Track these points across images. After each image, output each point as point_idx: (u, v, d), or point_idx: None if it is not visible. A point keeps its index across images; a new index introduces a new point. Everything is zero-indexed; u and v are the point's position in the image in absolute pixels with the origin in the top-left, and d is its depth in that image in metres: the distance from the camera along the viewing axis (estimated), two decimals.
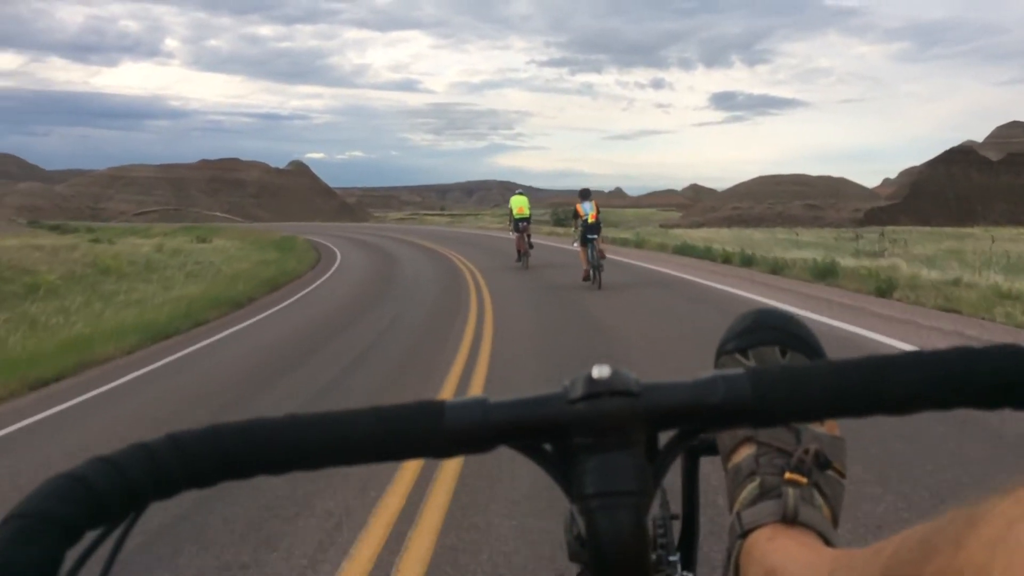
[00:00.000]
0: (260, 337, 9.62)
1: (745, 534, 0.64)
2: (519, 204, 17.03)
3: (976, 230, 49.98)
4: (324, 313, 11.46)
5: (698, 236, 34.38)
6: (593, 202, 13.03)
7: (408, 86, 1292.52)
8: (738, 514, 0.66)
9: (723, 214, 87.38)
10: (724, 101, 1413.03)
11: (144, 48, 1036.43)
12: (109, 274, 16.74)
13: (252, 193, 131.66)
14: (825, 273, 12.55)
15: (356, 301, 12.86)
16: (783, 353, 0.72)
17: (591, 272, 12.56)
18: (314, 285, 16.26)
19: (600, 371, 0.45)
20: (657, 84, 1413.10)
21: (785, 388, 0.45)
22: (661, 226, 70.63)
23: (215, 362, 8.18)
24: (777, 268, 14.34)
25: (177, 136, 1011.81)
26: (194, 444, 0.44)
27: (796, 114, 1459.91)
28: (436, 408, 0.46)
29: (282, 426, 0.45)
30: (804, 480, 0.65)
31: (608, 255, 13.29)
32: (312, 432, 0.45)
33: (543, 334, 8.74)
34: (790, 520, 0.63)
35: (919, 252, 26.06)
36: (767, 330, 0.73)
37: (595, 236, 12.48)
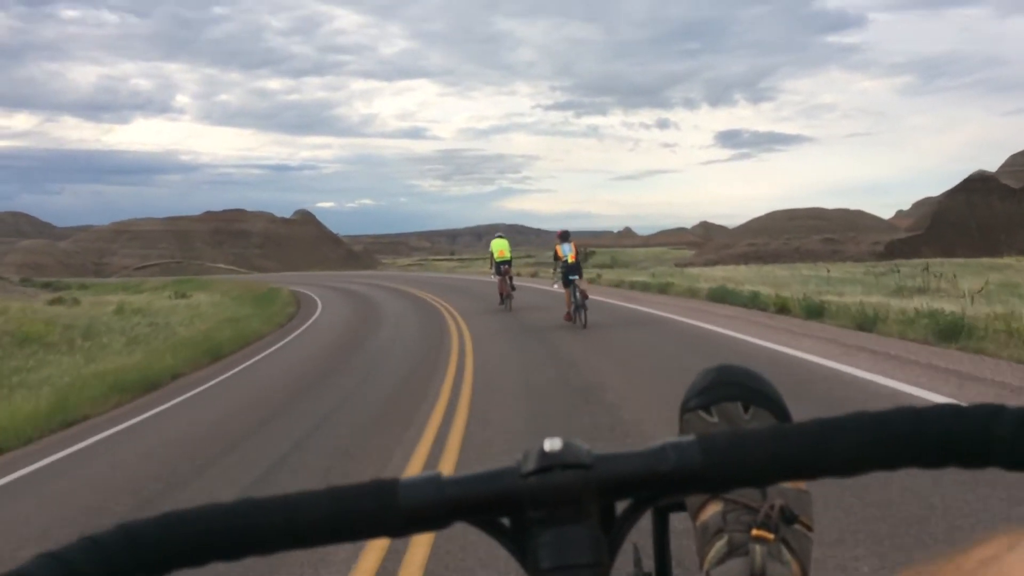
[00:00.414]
0: (132, 447, 6.92)
1: None
2: (500, 247, 16.71)
3: (1010, 260, 47.36)
4: (257, 396, 8.81)
5: (718, 276, 31.83)
6: (572, 244, 13.09)
7: (416, 134, 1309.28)
8: (707, 573, 0.67)
9: (738, 251, 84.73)
10: (730, 139, 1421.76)
11: (155, 105, 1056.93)
12: (29, 343, 14.17)
13: (257, 243, 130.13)
14: (951, 332, 8.60)
15: (311, 372, 10.31)
16: (746, 409, 0.73)
17: (574, 312, 12.60)
18: (269, 351, 13.76)
19: (552, 444, 0.45)
20: (662, 124, 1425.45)
21: (735, 454, 0.45)
22: (676, 265, 68.51)
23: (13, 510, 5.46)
24: (865, 322, 10.23)
25: (188, 190, 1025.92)
26: (145, 533, 0.43)
27: (802, 150, 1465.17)
28: (389, 486, 0.45)
29: (235, 511, 0.44)
30: (771, 536, 0.65)
31: (631, 303, 13.11)
32: (265, 515, 0.44)
33: (529, 396, 7.33)
34: None
35: (966, 286, 23.57)
36: (729, 386, 0.74)
37: (575, 277, 12.63)
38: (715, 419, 0.73)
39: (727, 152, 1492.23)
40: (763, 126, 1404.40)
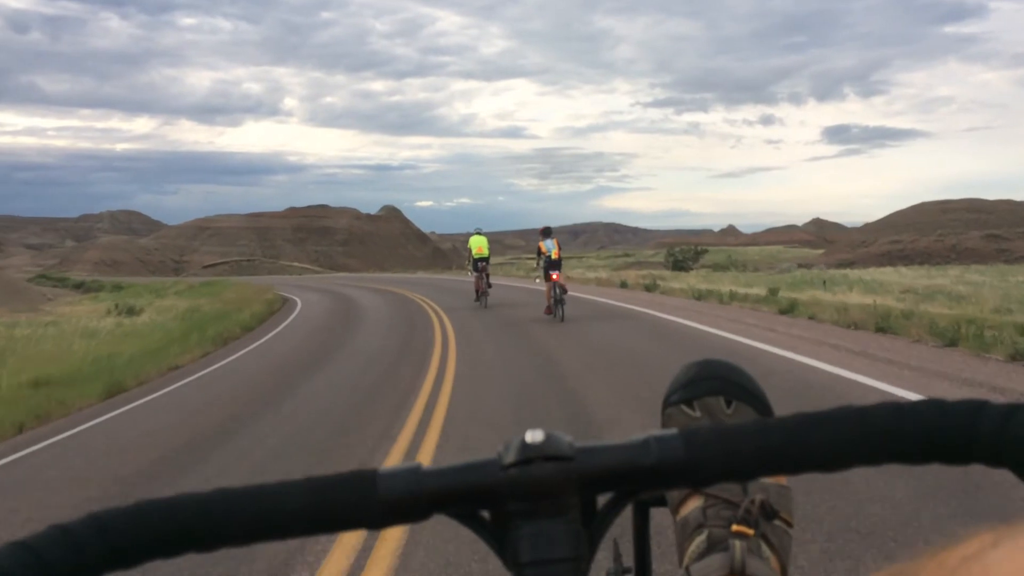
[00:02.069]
0: None
1: None
2: (478, 244, 16.80)
3: None
4: None
5: (879, 280, 22.22)
6: (555, 240, 13.86)
7: (514, 133, 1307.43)
8: (687, 568, 0.66)
9: (878, 249, 71.96)
10: (838, 134, 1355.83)
11: (265, 108, 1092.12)
12: None
13: (340, 241, 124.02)
14: None
15: None
16: (728, 403, 0.73)
17: (554, 306, 13.26)
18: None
19: (533, 435, 0.44)
20: (766, 120, 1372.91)
21: (718, 448, 0.44)
22: (800, 266, 57.92)
23: None
24: None
25: (295, 189, 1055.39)
26: (117, 523, 0.42)
27: (916, 145, 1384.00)
28: (368, 477, 0.44)
29: (210, 500, 0.43)
30: (751, 531, 0.65)
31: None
32: (241, 506, 0.43)
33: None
34: (738, 573, 0.63)
35: None
36: (712, 380, 0.74)
37: (556, 272, 13.35)
38: (697, 413, 0.73)
39: (835, 148, 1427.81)
40: (874, 121, 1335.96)
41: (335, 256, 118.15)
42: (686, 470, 0.44)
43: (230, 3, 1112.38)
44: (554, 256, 13.53)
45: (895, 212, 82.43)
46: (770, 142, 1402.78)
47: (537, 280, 14.38)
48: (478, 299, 17.09)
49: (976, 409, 0.42)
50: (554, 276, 13.26)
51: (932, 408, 0.43)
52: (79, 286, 51.33)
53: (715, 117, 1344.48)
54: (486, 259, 16.82)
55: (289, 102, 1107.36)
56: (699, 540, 0.67)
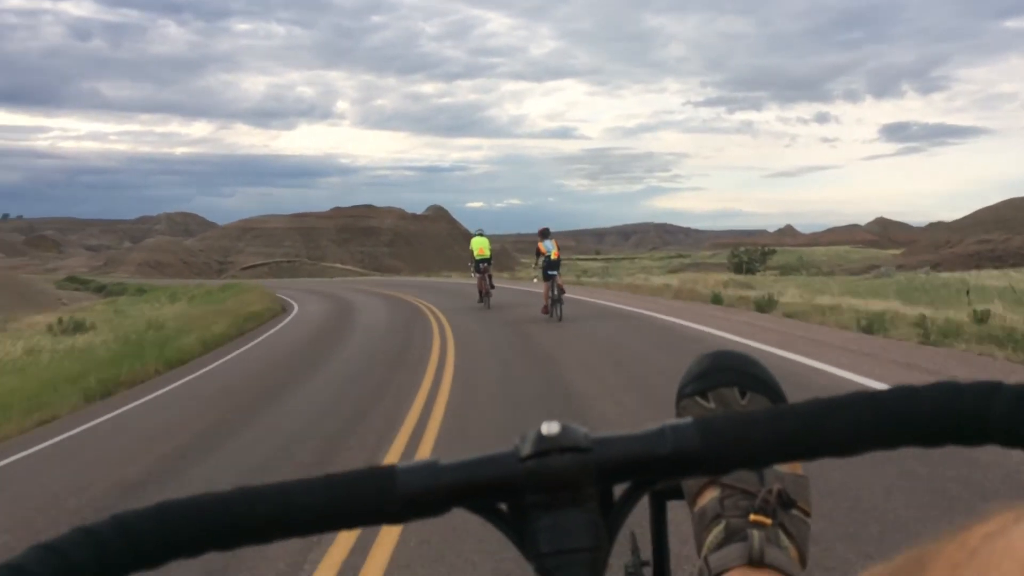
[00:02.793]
0: None
1: None
2: (480, 245, 16.90)
3: None
4: None
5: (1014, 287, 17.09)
6: (553, 241, 14.06)
7: (564, 133, 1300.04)
8: (705, 558, 0.67)
9: (964, 249, 65.82)
10: (896, 132, 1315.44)
11: (318, 111, 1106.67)
12: None
13: (386, 241, 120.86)
14: None
15: None
16: (742, 394, 0.73)
17: (551, 306, 13.53)
18: None
19: (549, 427, 0.45)
20: (822, 118, 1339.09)
21: (733, 436, 0.45)
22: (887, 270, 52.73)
23: None
24: None
25: (347, 191, 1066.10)
26: (140, 524, 0.42)
27: (979, 143, 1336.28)
28: (386, 473, 0.45)
29: (230, 500, 0.44)
30: (769, 521, 0.65)
31: None
32: (261, 504, 0.44)
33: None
34: (756, 562, 0.63)
35: None
36: (725, 372, 0.74)
37: (555, 272, 13.65)
38: (712, 405, 0.73)
39: (893, 146, 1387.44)
40: (934, 118, 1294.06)
41: (380, 257, 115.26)
42: (702, 458, 0.45)
43: (283, 8, 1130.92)
44: (553, 256, 13.80)
45: (982, 209, 75.73)
46: (826, 140, 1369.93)
47: (535, 280, 14.86)
48: (481, 300, 17.04)
49: (991, 390, 0.42)
50: (558, 281, 13.64)
51: (946, 390, 0.43)
52: (101, 289, 48.79)
53: (768, 115, 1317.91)
54: (488, 260, 16.83)
55: (341, 105, 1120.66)
56: (717, 530, 0.67)
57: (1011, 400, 0.41)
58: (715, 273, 53.51)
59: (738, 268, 52.43)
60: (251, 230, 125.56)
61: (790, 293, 15.59)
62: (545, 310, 13.79)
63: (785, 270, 52.04)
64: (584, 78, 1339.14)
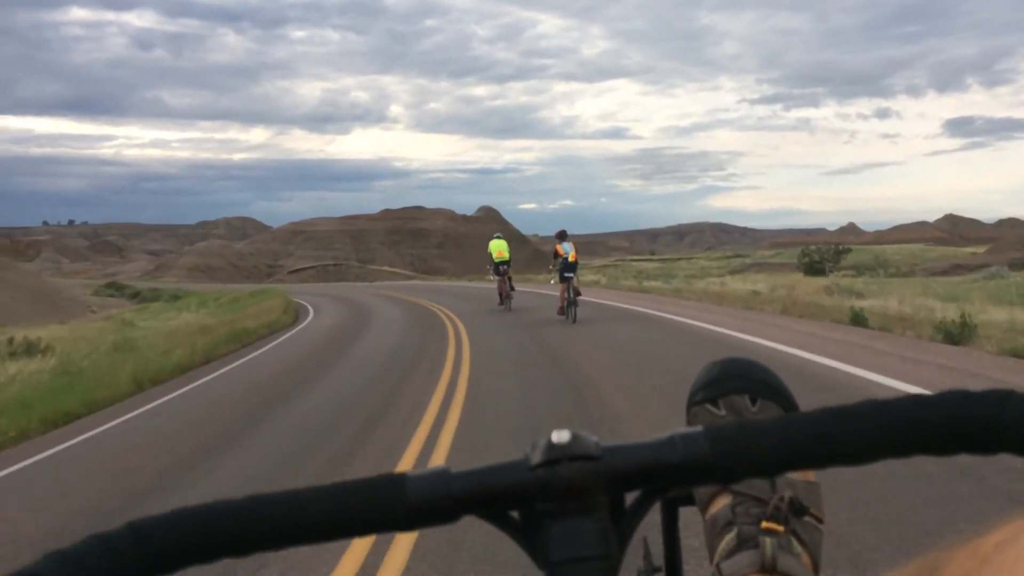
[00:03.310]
0: None
1: None
2: (499, 248, 16.99)
3: None
4: None
5: None
6: (571, 243, 14.23)
7: (616, 134, 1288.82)
8: (718, 566, 0.66)
9: None
10: (960, 127, 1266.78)
11: (372, 116, 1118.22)
12: None
13: (435, 243, 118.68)
14: None
15: None
16: (753, 401, 0.73)
17: (567, 308, 13.59)
18: None
19: (560, 436, 0.45)
20: (882, 114, 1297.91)
21: (743, 444, 0.45)
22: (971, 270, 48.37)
23: None
24: None
25: (400, 194, 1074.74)
26: (154, 531, 0.43)
27: None
28: (397, 481, 0.45)
29: (243, 507, 0.44)
30: (781, 528, 0.65)
31: None
32: (274, 511, 0.44)
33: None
34: (768, 570, 0.63)
35: None
36: (735, 379, 0.74)
37: (572, 275, 13.76)
38: (722, 412, 0.73)
39: (957, 141, 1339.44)
40: (1000, 112, 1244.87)
41: (430, 259, 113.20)
42: (712, 466, 0.45)
43: (338, 14, 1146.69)
44: (571, 259, 13.93)
45: None
46: (886, 136, 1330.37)
47: (552, 282, 14.96)
48: (502, 303, 17.09)
49: (1002, 398, 0.42)
50: (574, 283, 13.77)
51: (957, 398, 0.43)
52: (135, 296, 47.28)
53: (826, 112, 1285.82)
54: (507, 263, 16.92)
55: (395, 109, 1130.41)
56: (729, 538, 0.67)
57: (1022, 408, 0.41)
58: (787, 274, 49.65)
59: (809, 268, 48.31)
60: (301, 233, 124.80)
61: (917, 302, 12.07)
62: (561, 312, 13.85)
63: (859, 269, 47.79)
64: (636, 78, 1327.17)
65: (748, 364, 0.75)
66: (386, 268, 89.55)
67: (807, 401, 0.55)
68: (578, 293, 13.73)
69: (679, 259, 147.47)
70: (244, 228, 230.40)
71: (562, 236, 14.43)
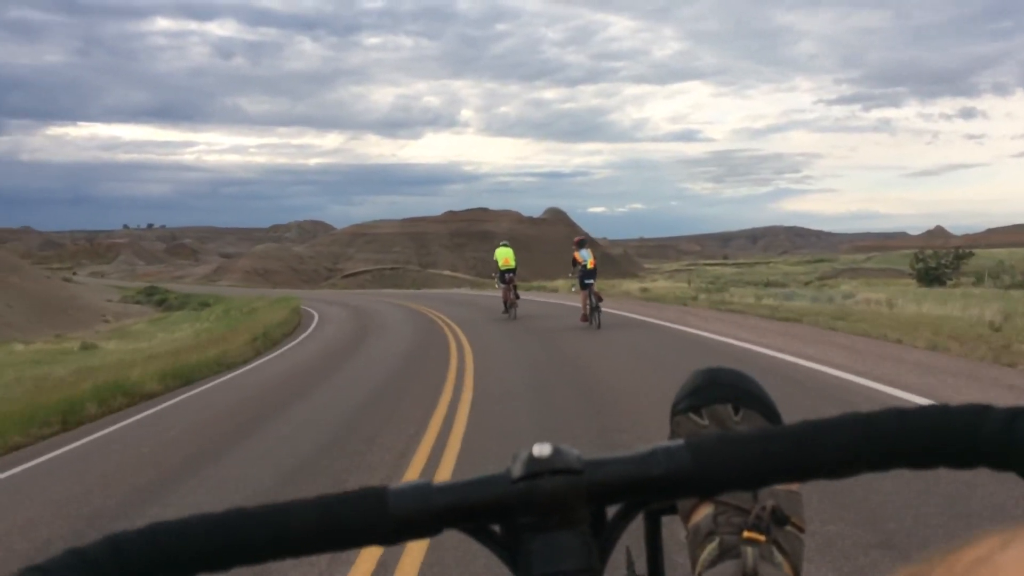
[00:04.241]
0: None
1: None
2: (504, 256, 17.04)
3: None
4: None
5: None
6: (590, 251, 14.29)
7: (687, 136, 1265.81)
8: (700, 575, 0.67)
9: None
10: None
11: (443, 120, 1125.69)
12: None
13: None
14: None
15: None
16: (736, 411, 0.73)
17: (590, 314, 13.75)
18: None
19: (541, 449, 0.45)
20: (967, 114, 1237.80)
21: (725, 457, 0.45)
22: None
23: None
24: None
25: (470, 198, 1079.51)
26: (132, 545, 0.42)
27: None
28: (379, 494, 0.45)
29: (223, 520, 0.44)
30: (762, 538, 0.65)
31: None
32: (254, 525, 0.44)
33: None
34: None
35: None
36: (719, 387, 0.74)
37: (591, 281, 13.84)
38: (705, 421, 0.73)
39: None
40: None
41: (494, 263, 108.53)
42: (693, 480, 0.45)
43: (411, 20, 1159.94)
44: (589, 266, 13.96)
45: None
46: (971, 137, 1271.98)
47: (572, 289, 15.27)
48: (506, 311, 17.20)
49: (980, 413, 0.42)
50: (595, 289, 13.88)
51: (936, 413, 0.43)
52: (161, 302, 43.59)
53: (908, 112, 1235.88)
54: (513, 271, 16.96)
55: (465, 113, 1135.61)
56: (711, 547, 0.67)
57: (1000, 423, 0.41)
58: (893, 281, 43.08)
59: (924, 275, 41.23)
60: (362, 235, 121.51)
61: None
62: (584, 318, 14.00)
63: (979, 277, 40.58)
64: (709, 79, 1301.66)
65: (732, 373, 0.74)
66: (446, 272, 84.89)
67: None
68: (600, 299, 13.91)
69: (756, 263, 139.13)
70: (315, 231, 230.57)
71: (581, 244, 14.58)
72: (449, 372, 9.93)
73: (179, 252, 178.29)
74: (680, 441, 0.46)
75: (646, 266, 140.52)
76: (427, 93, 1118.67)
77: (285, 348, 16.34)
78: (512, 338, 13.65)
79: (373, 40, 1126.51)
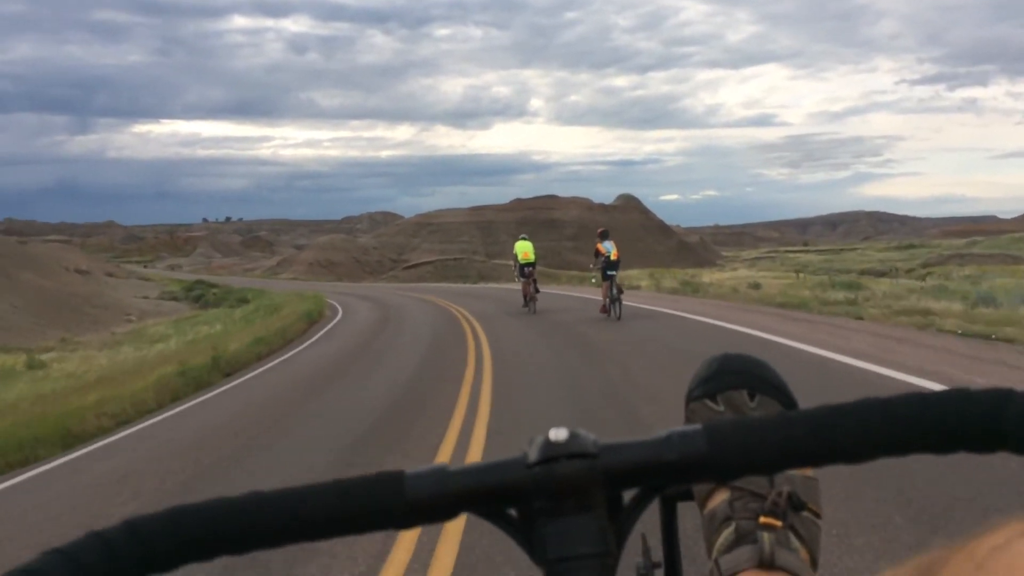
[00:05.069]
0: None
1: None
2: (524, 249, 16.84)
3: None
4: None
5: None
6: (613, 242, 14.31)
7: (762, 121, 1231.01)
8: (716, 561, 0.67)
9: None
10: None
11: (513, 110, 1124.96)
12: None
13: (569, 234, 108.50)
14: None
15: None
16: (752, 397, 0.72)
17: (610, 305, 14.04)
18: None
19: (557, 434, 0.45)
20: None
21: (740, 441, 0.44)
22: None
23: None
24: None
25: (539, 187, 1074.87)
26: (152, 528, 0.43)
27: None
28: (395, 478, 0.45)
29: (242, 504, 0.44)
30: (779, 523, 0.65)
31: None
32: (272, 509, 0.44)
33: None
34: (767, 565, 0.63)
35: None
36: (734, 374, 0.73)
37: (614, 272, 14.12)
38: (721, 408, 0.73)
39: None
40: None
41: (563, 252, 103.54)
42: (709, 464, 0.44)
43: (481, 11, 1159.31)
44: (612, 257, 14.11)
45: None
46: None
47: (593, 280, 15.59)
48: (526, 304, 17.01)
49: (1002, 398, 0.41)
50: (616, 281, 14.04)
51: (957, 397, 0.42)
52: (198, 299, 40.51)
53: (996, 91, 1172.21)
54: (533, 264, 16.91)
55: (535, 103, 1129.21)
56: (727, 533, 0.67)
57: (1022, 407, 0.41)
58: (1017, 268, 37.26)
59: None
60: (428, 225, 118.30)
61: None
62: (604, 309, 14.21)
63: None
64: (785, 62, 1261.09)
65: (747, 360, 0.74)
66: (511, 263, 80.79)
67: None
68: (621, 291, 14.05)
69: (842, 250, 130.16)
70: (386, 222, 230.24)
71: (603, 235, 14.64)
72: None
73: (254, 245, 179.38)
74: (697, 426, 0.46)
75: (724, 254, 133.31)
76: (496, 83, 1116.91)
77: (272, 363, 12.25)
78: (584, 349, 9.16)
79: (443, 31, 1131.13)
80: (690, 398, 0.75)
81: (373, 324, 19.82)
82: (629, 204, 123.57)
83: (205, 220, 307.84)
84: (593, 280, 15.40)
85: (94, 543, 0.41)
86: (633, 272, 52.23)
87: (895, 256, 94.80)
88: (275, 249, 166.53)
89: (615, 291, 13.93)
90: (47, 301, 27.50)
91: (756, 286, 19.79)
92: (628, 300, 15.53)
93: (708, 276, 32.86)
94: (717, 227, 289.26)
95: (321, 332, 18.90)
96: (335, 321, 21.74)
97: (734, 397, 0.72)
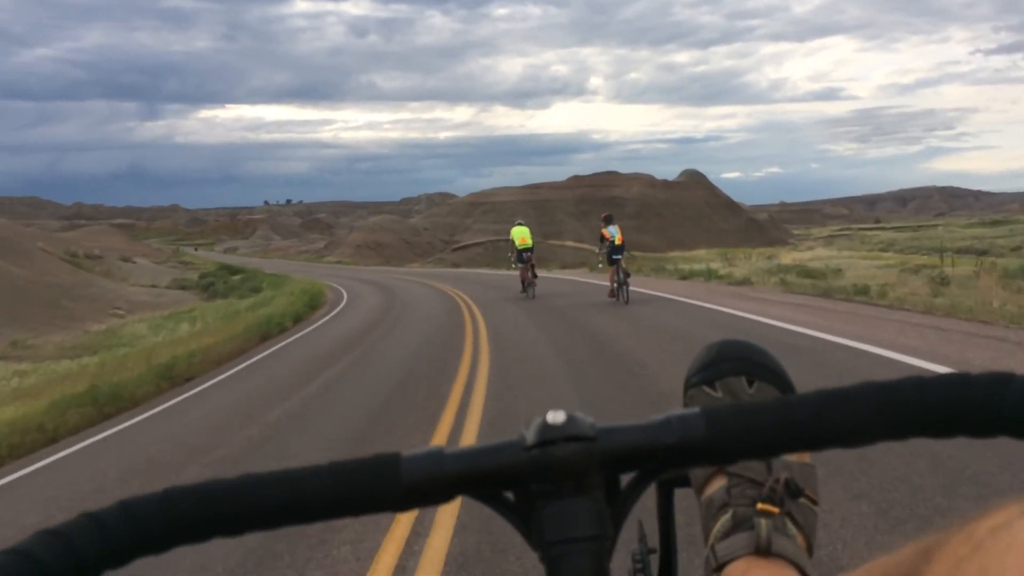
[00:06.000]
0: None
1: (720, 567, 0.65)
2: (521, 235, 17.06)
3: None
4: None
5: None
6: (617, 227, 14.43)
7: (829, 95, 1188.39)
8: (712, 547, 0.67)
9: None
10: None
11: (572, 89, 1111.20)
12: None
13: (632, 212, 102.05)
14: None
15: None
16: (750, 383, 0.72)
17: (617, 289, 14.10)
18: None
19: (555, 416, 0.45)
20: None
21: (739, 426, 0.44)
22: None
23: None
24: None
25: (599, 166, 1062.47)
26: (146, 509, 0.42)
27: None
28: (391, 461, 0.45)
29: (237, 486, 0.44)
30: (776, 510, 0.65)
31: None
32: (267, 491, 0.44)
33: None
34: (764, 551, 0.63)
35: None
36: (732, 361, 0.74)
37: (620, 257, 14.13)
38: (719, 394, 0.73)
39: None
40: None
41: (625, 231, 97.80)
42: (707, 448, 0.44)
43: None
44: (617, 242, 14.23)
45: None
46: None
47: (600, 266, 15.61)
48: (524, 290, 17.19)
49: (1002, 382, 0.41)
50: (623, 264, 14.13)
51: (957, 381, 0.42)
52: (207, 287, 36.52)
53: None
54: (530, 249, 17.09)
55: (594, 81, 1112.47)
56: (724, 519, 0.67)
57: (1022, 392, 0.41)
58: None
59: None
60: (481, 204, 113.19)
61: None
62: (611, 293, 14.30)
63: None
64: (853, 33, 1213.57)
65: (745, 346, 0.74)
66: (569, 244, 75.46)
67: None
68: (627, 275, 14.17)
69: (920, 226, 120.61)
70: (443, 203, 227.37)
71: (608, 220, 14.86)
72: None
73: (314, 227, 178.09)
74: (695, 409, 0.45)
75: (795, 232, 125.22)
76: (555, 62, 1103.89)
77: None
78: None
79: (501, 11, 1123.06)
80: (688, 384, 0.75)
81: (363, 327, 15.08)
82: (694, 180, 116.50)
83: (266, 203, 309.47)
84: (600, 265, 15.39)
85: (87, 523, 0.41)
86: (700, 252, 46.44)
87: (987, 232, 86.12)
88: (333, 232, 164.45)
89: (622, 275, 14.06)
90: (15, 293, 23.71)
91: (885, 293, 12.78)
92: (773, 320, 10.11)
93: (786, 256, 27.44)
94: (783, 204, 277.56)
95: (275, 347, 13.93)
96: (309, 329, 17.07)
97: (732, 383, 0.72)
